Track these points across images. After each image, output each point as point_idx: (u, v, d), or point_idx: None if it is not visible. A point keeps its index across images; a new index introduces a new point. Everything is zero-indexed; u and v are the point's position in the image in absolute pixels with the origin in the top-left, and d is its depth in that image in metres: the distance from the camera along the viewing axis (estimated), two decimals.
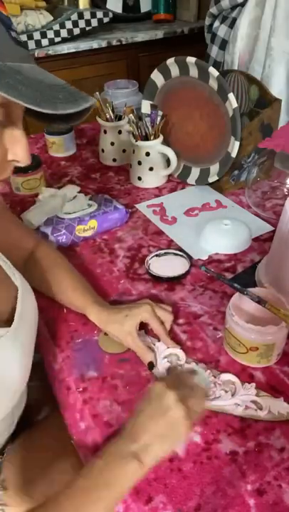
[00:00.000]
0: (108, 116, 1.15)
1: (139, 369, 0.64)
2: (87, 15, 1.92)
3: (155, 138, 1.06)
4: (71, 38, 1.92)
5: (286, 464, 0.52)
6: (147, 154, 1.06)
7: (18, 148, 0.49)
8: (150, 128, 1.06)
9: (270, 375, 0.63)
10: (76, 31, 1.92)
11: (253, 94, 1.07)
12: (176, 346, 0.66)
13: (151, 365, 0.63)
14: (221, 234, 0.88)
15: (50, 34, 1.86)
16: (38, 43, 1.84)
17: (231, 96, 0.93)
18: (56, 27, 1.87)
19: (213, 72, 0.93)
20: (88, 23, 1.94)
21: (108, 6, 2.10)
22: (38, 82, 0.44)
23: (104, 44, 1.97)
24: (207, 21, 1.59)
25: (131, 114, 1.07)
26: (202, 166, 1.08)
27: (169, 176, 1.14)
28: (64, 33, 1.89)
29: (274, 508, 0.48)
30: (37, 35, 1.83)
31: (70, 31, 1.90)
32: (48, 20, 1.89)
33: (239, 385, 0.60)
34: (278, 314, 0.61)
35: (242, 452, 0.53)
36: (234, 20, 1.44)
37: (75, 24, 1.91)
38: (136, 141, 1.06)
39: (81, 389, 0.62)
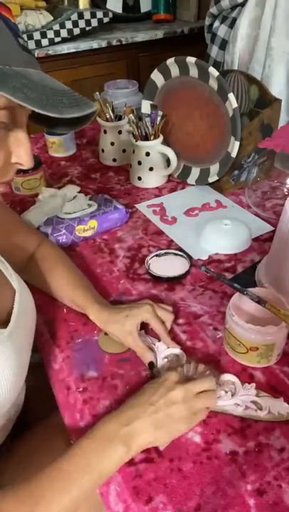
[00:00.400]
0: (108, 116, 1.15)
1: (139, 369, 0.64)
2: (87, 15, 1.92)
3: (155, 138, 1.06)
4: (71, 38, 1.92)
5: (286, 463, 0.52)
6: (147, 154, 1.06)
7: (22, 151, 0.50)
8: (150, 128, 1.06)
9: (270, 375, 0.63)
10: (76, 31, 1.92)
11: (253, 94, 1.07)
12: (176, 346, 0.66)
13: (151, 365, 0.63)
14: (221, 234, 0.88)
15: (50, 34, 1.86)
16: (38, 43, 1.84)
17: (231, 96, 0.93)
18: (56, 27, 1.87)
19: (213, 72, 0.93)
20: (88, 23, 1.94)
21: (108, 6, 2.10)
22: (43, 86, 0.45)
23: (104, 44, 1.97)
24: (207, 21, 1.59)
25: (131, 114, 1.07)
26: (202, 166, 1.08)
27: (169, 176, 1.14)
28: (64, 33, 1.89)
29: (274, 508, 0.48)
30: (37, 35, 1.83)
31: (70, 31, 1.90)
32: (48, 20, 1.89)
33: (239, 385, 0.60)
34: (278, 314, 0.61)
35: (242, 452, 0.53)
36: (234, 20, 1.44)
37: (75, 24, 1.91)
38: (136, 141, 1.06)
39: (81, 389, 0.62)
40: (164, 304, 0.71)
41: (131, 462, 0.53)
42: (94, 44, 1.95)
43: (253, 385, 0.60)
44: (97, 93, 1.14)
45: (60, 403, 0.64)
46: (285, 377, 0.62)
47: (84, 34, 1.96)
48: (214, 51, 1.56)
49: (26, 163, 0.51)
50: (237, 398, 0.58)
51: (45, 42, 1.86)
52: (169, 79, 1.07)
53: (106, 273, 0.83)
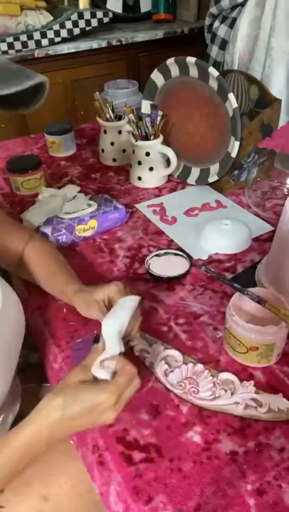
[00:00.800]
0: (108, 116, 1.15)
1: (138, 369, 0.64)
2: (87, 15, 1.92)
3: (155, 138, 1.06)
4: (71, 38, 1.92)
5: (286, 463, 0.52)
6: (147, 154, 1.06)
7: None
8: (150, 128, 1.06)
9: (270, 375, 0.63)
10: (76, 31, 1.92)
11: (253, 94, 1.07)
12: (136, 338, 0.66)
13: (96, 338, 0.60)
14: (221, 234, 0.88)
15: (50, 34, 1.86)
16: (38, 43, 1.84)
17: (231, 96, 0.93)
18: (56, 27, 1.87)
19: (213, 72, 0.93)
20: (88, 23, 1.94)
21: (108, 6, 2.10)
22: None
23: (104, 44, 1.97)
24: (207, 21, 1.59)
25: (131, 114, 1.07)
26: (202, 166, 1.08)
27: (169, 176, 1.14)
28: (64, 33, 1.89)
29: (274, 508, 0.48)
30: (37, 35, 1.83)
31: (70, 31, 1.90)
32: (48, 20, 1.89)
33: (238, 384, 0.60)
34: (278, 314, 0.61)
35: (242, 452, 0.53)
36: (234, 20, 1.44)
37: (75, 24, 1.91)
38: (136, 141, 1.06)
39: None
40: (164, 303, 0.71)
41: (131, 462, 0.53)
42: (94, 44, 1.95)
43: (252, 382, 0.60)
44: (97, 93, 1.14)
45: None
46: (285, 377, 0.62)
47: (84, 34, 1.96)
48: (214, 51, 1.56)
49: None
50: (236, 396, 0.58)
51: (45, 42, 1.86)
52: (169, 79, 1.07)
53: (106, 273, 0.83)
